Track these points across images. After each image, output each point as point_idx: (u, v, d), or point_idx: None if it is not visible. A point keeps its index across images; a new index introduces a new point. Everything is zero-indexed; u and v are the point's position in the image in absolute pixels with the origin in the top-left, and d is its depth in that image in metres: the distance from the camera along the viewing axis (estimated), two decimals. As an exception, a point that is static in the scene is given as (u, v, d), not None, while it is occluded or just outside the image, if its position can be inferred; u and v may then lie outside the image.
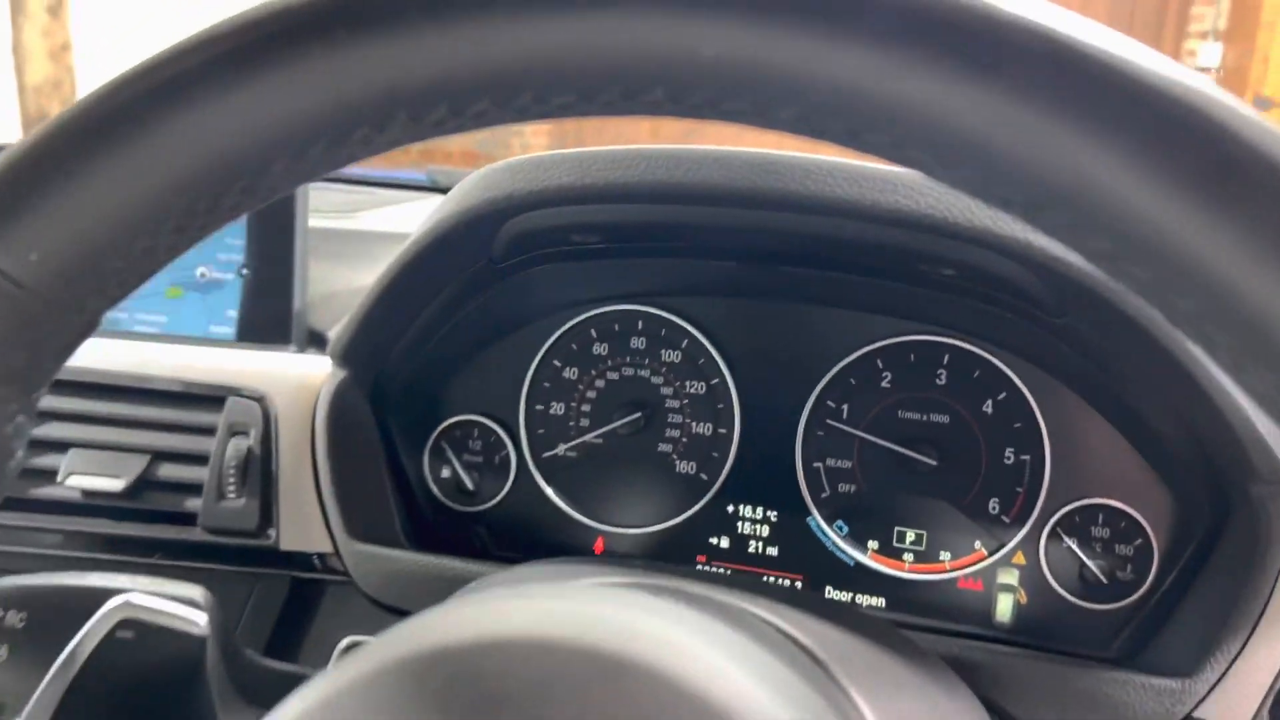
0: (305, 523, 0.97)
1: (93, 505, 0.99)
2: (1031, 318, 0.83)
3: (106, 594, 0.62)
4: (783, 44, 0.35)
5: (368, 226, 1.38)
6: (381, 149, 0.39)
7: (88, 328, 0.42)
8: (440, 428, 1.07)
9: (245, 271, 1.13)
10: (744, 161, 0.70)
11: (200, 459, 0.98)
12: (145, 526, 0.98)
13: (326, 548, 0.98)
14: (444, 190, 1.56)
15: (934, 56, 0.33)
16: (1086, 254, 0.34)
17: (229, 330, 1.12)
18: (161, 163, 0.38)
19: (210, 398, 1.00)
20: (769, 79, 0.35)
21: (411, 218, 1.43)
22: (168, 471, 0.99)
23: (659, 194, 0.72)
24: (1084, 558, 0.92)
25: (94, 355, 1.02)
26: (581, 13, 0.35)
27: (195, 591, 0.64)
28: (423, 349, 1.02)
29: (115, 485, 0.97)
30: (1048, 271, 0.70)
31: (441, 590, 0.93)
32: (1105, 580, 0.91)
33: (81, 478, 0.98)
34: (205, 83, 0.36)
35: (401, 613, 0.96)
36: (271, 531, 0.97)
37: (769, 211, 0.72)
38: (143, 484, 0.98)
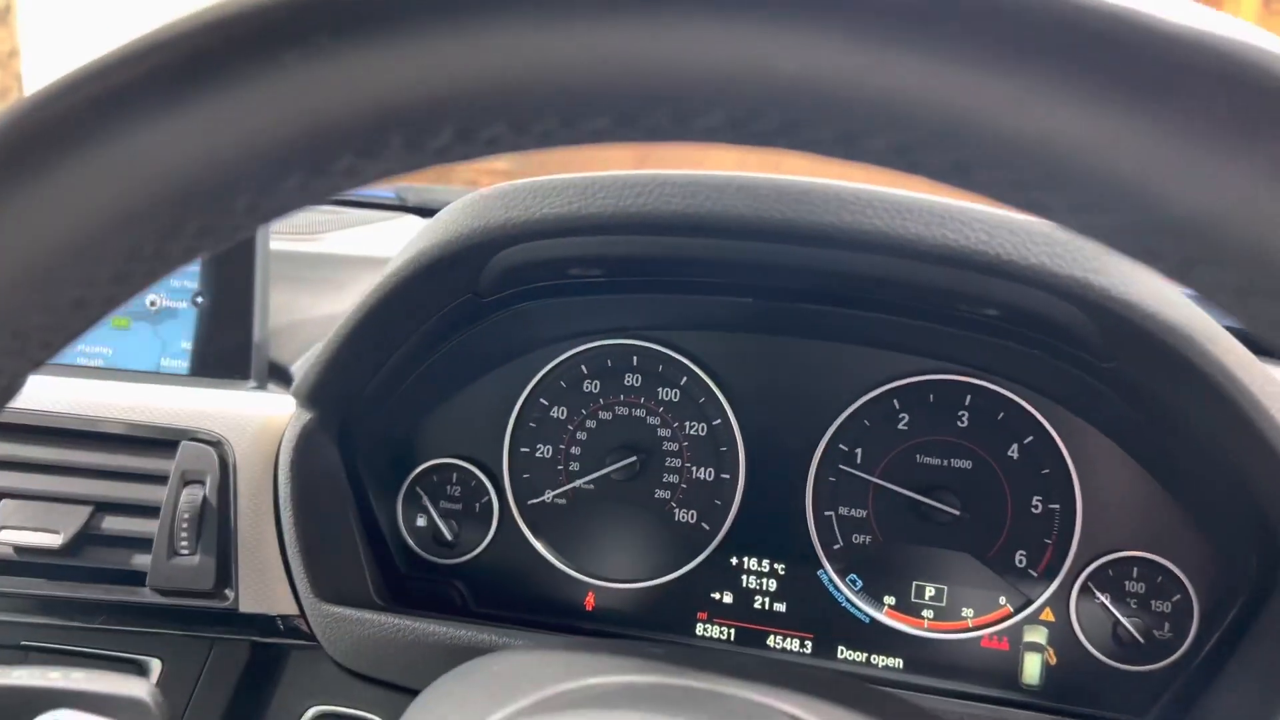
0: (267, 582, 0.88)
1: (27, 563, 0.88)
2: (1074, 360, 0.76)
3: (36, 696, 0.53)
4: (891, 59, 0.27)
5: (333, 250, 1.29)
6: (370, 180, 0.32)
7: (5, 395, 0.34)
8: (415, 473, 0.98)
9: (200, 299, 1.03)
10: (772, 189, 0.63)
11: (149, 510, 0.88)
12: (87, 587, 0.88)
13: (291, 609, 0.88)
14: (413, 209, 1.48)
15: (1087, 77, 0.26)
16: (1252, 322, 0.27)
17: (182, 364, 1.03)
18: (98, 196, 0.30)
19: (161, 441, 0.90)
20: (866, 102, 0.28)
21: (381, 239, 1.35)
22: (112, 524, 0.89)
23: (675, 225, 0.64)
24: (1118, 615, 0.85)
25: (28, 393, 0.92)
26: (623, 15, 0.28)
27: (141, 689, 0.55)
28: (397, 388, 0.93)
29: (53, 541, 0.87)
30: (1106, 314, 0.63)
31: (418, 656, 0.85)
32: (1141, 639, 0.85)
33: (14, 532, 0.88)
34: (151, 98, 0.28)
35: (374, 681, 0.87)
36: (229, 592, 0.87)
37: (799, 246, 0.64)
38: (84, 539, 0.88)
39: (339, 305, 1.21)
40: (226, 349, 1.03)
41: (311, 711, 0.88)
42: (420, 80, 0.29)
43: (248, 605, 0.87)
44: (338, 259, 1.26)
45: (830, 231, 0.62)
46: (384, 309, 0.78)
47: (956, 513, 0.88)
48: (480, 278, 0.78)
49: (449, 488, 0.98)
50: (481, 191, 0.72)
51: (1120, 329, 0.64)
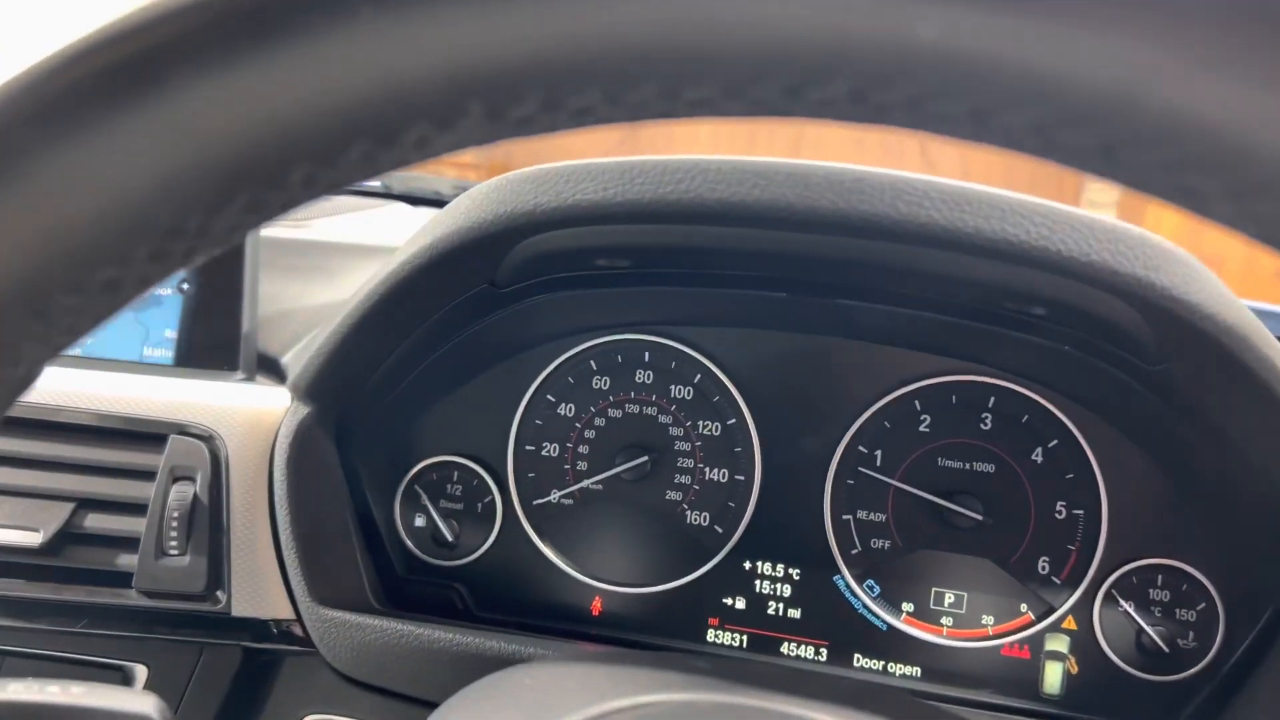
0: (261, 585, 0.83)
1: (4, 563, 0.83)
2: (1116, 362, 0.74)
3: (35, 713, 0.49)
4: (1054, 24, 0.24)
5: (322, 237, 1.24)
6: (440, 152, 0.28)
7: (21, 385, 0.30)
8: (414, 471, 0.94)
9: (186, 286, 0.98)
10: (824, 178, 0.59)
11: (136, 508, 0.83)
12: (69, 588, 0.83)
13: (286, 614, 0.84)
14: (399, 197, 1.43)
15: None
16: None
17: (166, 354, 0.98)
18: (142, 162, 0.26)
19: (148, 435, 0.85)
20: (1017, 75, 0.25)
21: (371, 227, 1.30)
22: (96, 522, 0.84)
23: (719, 213, 0.61)
24: (1142, 623, 0.83)
25: None
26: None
27: (149, 704, 0.51)
28: (399, 382, 0.89)
29: (32, 539, 0.82)
30: (1164, 314, 0.61)
31: (421, 663, 0.81)
32: (1165, 648, 0.83)
33: (-9, 530, 0.83)
34: (202, 52, 0.25)
35: (372, 689, 0.83)
36: (221, 595, 0.83)
37: (849, 238, 0.61)
38: (65, 537, 0.83)
39: (328, 294, 1.16)
40: (213, 338, 0.98)
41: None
42: (512, 38, 0.25)
43: (240, 609, 0.83)
44: (327, 246, 1.22)
45: (885, 223, 0.59)
46: (395, 298, 0.74)
47: (979, 517, 0.85)
48: (500, 267, 0.74)
49: (449, 487, 0.94)
50: (507, 175, 0.68)
51: (1176, 330, 0.62)
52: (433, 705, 0.83)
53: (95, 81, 0.25)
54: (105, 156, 0.26)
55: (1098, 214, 0.59)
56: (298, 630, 0.84)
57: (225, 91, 0.25)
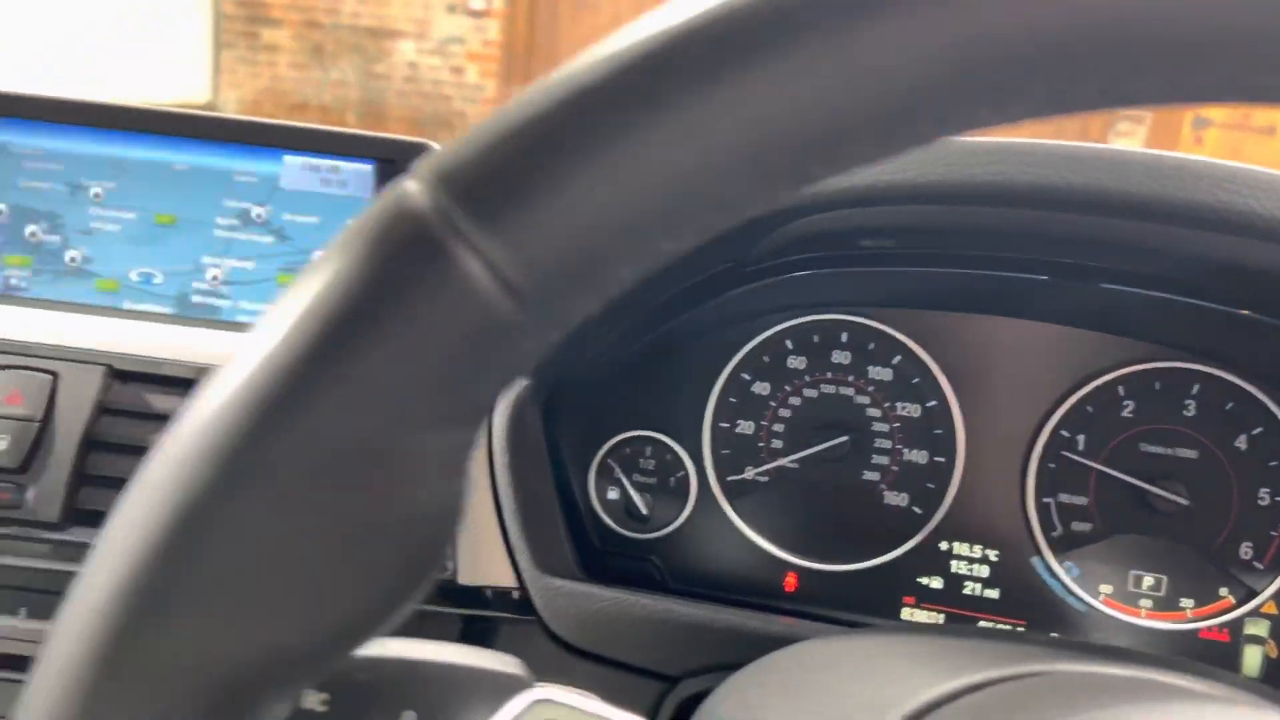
0: (485, 553, 0.85)
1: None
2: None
3: (418, 669, 0.50)
4: None
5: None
6: (988, 124, 0.28)
7: (549, 348, 0.31)
8: (608, 445, 0.95)
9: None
10: (1140, 164, 0.60)
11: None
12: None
13: (507, 582, 0.85)
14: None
15: None
16: None
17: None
18: (732, 130, 0.26)
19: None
20: None
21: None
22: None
23: (1030, 197, 0.62)
24: (1344, 609, 0.85)
25: (207, 345, 0.87)
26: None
27: (514, 664, 0.52)
28: (609, 357, 0.90)
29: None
30: None
31: (644, 632, 0.82)
32: (1367, 635, 0.84)
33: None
34: (825, 24, 0.25)
35: (594, 657, 0.85)
36: (449, 563, 0.84)
37: (1158, 225, 0.62)
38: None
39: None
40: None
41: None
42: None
43: (466, 577, 0.84)
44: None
45: (1204, 212, 0.60)
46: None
47: (1184, 502, 0.87)
48: (757, 244, 0.75)
49: (642, 461, 0.95)
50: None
51: None
52: (649, 673, 0.84)
53: (697, 61, 0.25)
54: (701, 130, 0.26)
55: None
56: (516, 598, 0.86)
57: (836, 64, 0.26)
